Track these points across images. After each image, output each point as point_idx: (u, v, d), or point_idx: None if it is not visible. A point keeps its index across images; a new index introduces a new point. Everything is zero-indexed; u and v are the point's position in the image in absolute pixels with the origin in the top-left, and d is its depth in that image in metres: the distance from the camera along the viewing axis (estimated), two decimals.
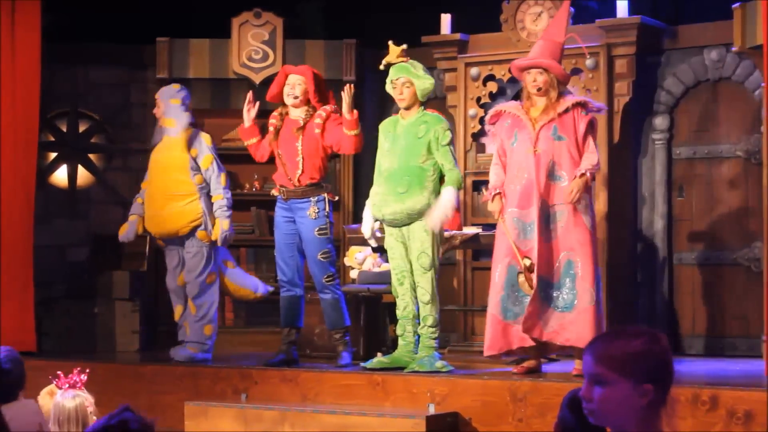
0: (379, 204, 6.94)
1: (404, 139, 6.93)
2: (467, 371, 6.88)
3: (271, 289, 8.11)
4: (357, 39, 9.27)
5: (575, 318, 6.45)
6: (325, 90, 7.48)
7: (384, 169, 7.00)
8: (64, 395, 4.68)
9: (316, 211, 7.26)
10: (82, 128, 9.66)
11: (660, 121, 8.50)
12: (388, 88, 7.04)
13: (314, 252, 7.30)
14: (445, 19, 8.74)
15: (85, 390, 4.82)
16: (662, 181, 8.47)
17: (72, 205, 9.58)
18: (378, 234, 7.15)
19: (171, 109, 7.89)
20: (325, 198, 7.35)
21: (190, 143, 7.85)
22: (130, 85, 9.69)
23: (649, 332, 2.72)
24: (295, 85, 7.38)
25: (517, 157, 6.69)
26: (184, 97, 7.96)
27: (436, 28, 8.76)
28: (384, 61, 7.04)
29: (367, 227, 7.12)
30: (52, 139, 9.57)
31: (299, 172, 7.30)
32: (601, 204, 8.08)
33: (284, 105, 7.49)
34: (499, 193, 6.71)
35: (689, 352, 8.31)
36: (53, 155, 9.60)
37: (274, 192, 7.47)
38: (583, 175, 6.56)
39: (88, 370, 4.99)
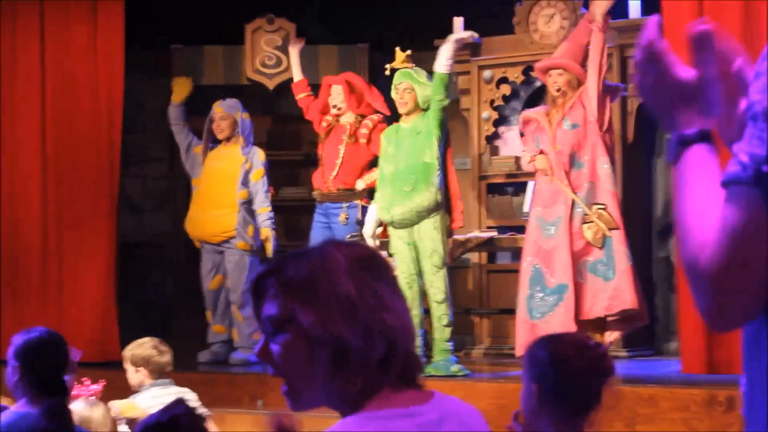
0: (386, 206, 6.94)
1: (407, 140, 6.96)
2: (483, 374, 6.87)
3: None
4: (369, 43, 9.29)
5: (619, 281, 6.62)
6: (363, 93, 7.59)
7: (387, 173, 7.01)
8: (85, 403, 4.72)
9: (347, 217, 7.31)
10: None
11: None
12: (393, 93, 7.08)
13: None
14: (458, 22, 8.73)
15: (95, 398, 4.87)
16: None
17: None
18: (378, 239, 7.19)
19: (244, 123, 7.98)
20: (358, 205, 7.40)
21: (246, 156, 7.93)
22: (144, 91, 9.68)
23: None
24: (336, 95, 7.53)
25: None
26: (243, 110, 8.10)
27: (448, 32, 8.75)
28: (389, 67, 7.09)
29: (369, 227, 7.16)
30: None
31: (333, 174, 7.38)
32: None
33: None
34: (542, 151, 6.81)
35: None
36: None
37: (315, 194, 7.61)
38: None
39: (104, 381, 5.04)
